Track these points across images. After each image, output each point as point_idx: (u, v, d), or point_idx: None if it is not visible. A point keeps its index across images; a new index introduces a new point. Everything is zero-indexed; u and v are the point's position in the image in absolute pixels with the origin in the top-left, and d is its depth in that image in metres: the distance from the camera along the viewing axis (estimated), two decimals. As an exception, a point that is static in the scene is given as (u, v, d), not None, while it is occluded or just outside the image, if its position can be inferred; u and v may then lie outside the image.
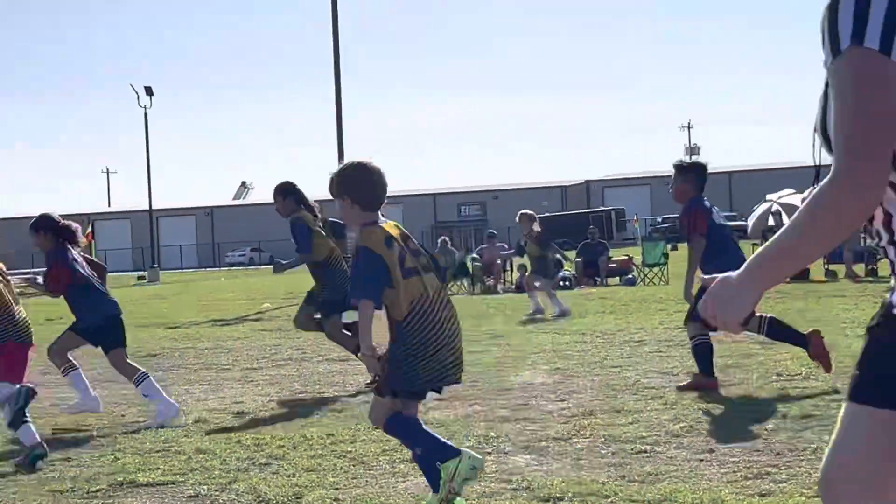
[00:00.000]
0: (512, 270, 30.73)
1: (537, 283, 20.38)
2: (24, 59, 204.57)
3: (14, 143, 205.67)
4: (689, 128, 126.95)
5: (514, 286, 29.12)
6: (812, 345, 9.80)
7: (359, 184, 6.19)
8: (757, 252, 2.72)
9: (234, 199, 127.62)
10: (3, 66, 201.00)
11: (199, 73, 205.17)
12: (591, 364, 12.14)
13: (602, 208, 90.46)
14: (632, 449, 7.48)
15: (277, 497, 6.50)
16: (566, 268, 29.43)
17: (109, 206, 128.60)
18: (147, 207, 74.47)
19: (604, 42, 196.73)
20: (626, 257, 31.50)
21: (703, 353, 9.94)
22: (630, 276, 29.83)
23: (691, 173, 10.40)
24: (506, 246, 32.36)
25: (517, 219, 21.19)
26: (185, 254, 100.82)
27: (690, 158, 12.42)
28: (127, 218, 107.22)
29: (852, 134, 2.52)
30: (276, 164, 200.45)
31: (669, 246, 33.17)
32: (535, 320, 18.55)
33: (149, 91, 73.05)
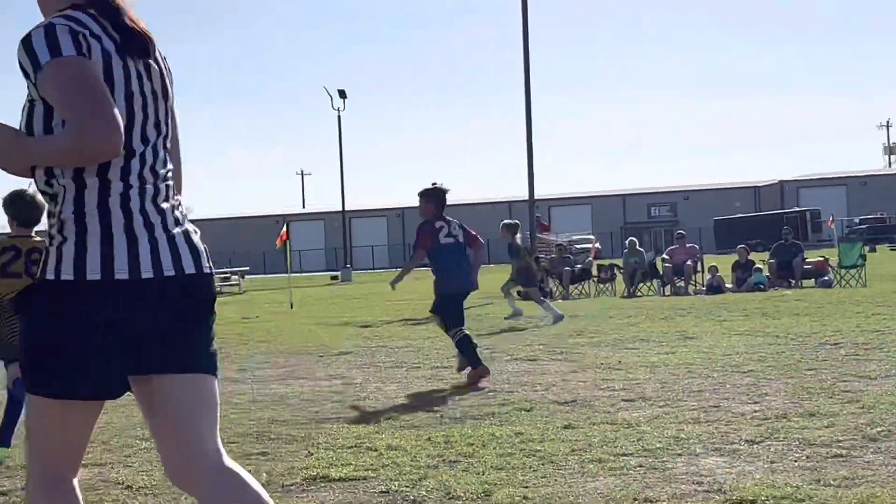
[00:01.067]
0: (703, 271, 30.31)
1: (519, 291, 21.60)
2: (220, 65, 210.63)
3: (221, 147, 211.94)
4: (887, 126, 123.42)
5: (704, 287, 28.71)
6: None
7: None
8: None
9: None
10: (204, 73, 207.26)
11: (390, 76, 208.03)
12: (785, 367, 11.90)
13: (796, 209, 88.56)
14: (827, 453, 7.31)
15: (467, 494, 6.55)
16: (760, 270, 28.93)
17: (304, 207, 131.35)
18: (340, 209, 75.78)
19: (797, 41, 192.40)
20: (821, 259, 30.73)
21: None
22: (826, 277, 29.10)
23: (432, 196, 12.56)
24: (696, 247, 31.89)
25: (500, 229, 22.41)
26: (377, 254, 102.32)
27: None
28: (321, 219, 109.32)
29: (83, 105, 3.32)
30: (465, 166, 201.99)
31: (867, 247, 32.26)
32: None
33: (342, 94, 74.32)
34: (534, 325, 19.64)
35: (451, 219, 12.79)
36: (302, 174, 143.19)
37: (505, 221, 22.63)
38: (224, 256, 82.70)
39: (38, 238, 7.88)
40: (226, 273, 52.63)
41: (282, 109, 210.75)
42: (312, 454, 8.07)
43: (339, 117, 74.10)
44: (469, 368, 12.07)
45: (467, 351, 12.25)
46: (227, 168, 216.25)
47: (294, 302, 30.26)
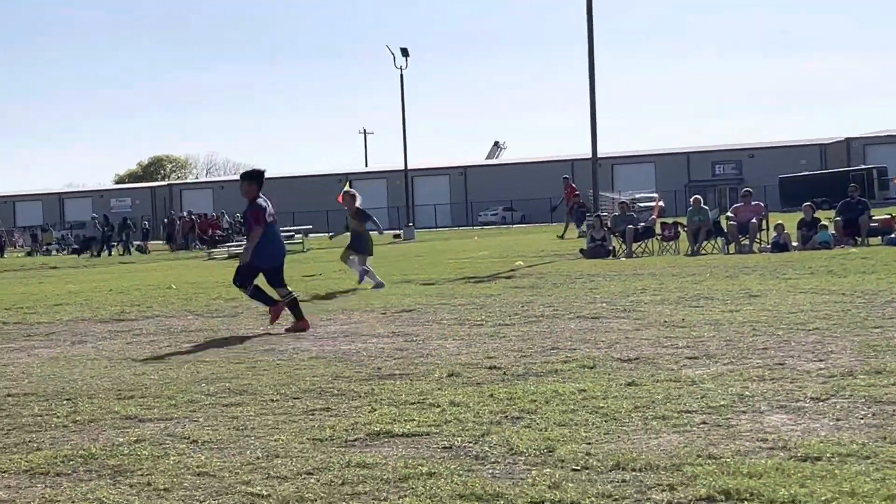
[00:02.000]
0: (768, 229, 30.03)
1: (353, 258, 21.54)
2: (285, 23, 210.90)
3: (285, 106, 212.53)
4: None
5: (769, 245, 28.45)
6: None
7: None
8: None
9: (486, 158, 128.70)
10: (269, 31, 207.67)
11: (453, 34, 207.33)
12: (851, 324, 11.78)
13: (863, 167, 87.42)
14: (893, 410, 7.23)
15: (530, 450, 6.55)
16: (826, 228, 28.62)
17: (366, 166, 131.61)
18: (403, 167, 75.79)
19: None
20: (888, 216, 30.32)
21: None
22: (893, 235, 28.71)
23: (255, 178, 14.35)
24: (762, 205, 31.56)
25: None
26: (440, 213, 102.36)
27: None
28: (383, 178, 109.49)
29: None
30: (528, 124, 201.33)
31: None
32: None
33: (404, 52, 74.11)
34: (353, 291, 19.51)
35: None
36: (364, 133, 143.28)
37: (346, 189, 22.92)
38: (287, 215, 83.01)
39: None
40: (289, 231, 52.90)
41: (345, 68, 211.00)
42: (375, 410, 8.11)
43: (401, 76, 73.97)
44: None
45: (263, 297, 14.70)
46: (290, 127, 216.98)
47: (357, 260, 30.32)
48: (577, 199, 45.45)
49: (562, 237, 43.47)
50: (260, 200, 14.38)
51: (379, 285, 20.45)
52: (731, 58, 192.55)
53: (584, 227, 44.33)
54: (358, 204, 22.04)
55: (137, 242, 63.88)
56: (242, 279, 14.59)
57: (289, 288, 14.60)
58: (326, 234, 30.42)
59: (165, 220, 73.05)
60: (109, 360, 11.81)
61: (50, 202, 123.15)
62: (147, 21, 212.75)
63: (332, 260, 34.93)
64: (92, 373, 10.86)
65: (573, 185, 46.24)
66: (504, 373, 9.65)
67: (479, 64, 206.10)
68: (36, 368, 11.41)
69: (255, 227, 14.34)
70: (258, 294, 14.66)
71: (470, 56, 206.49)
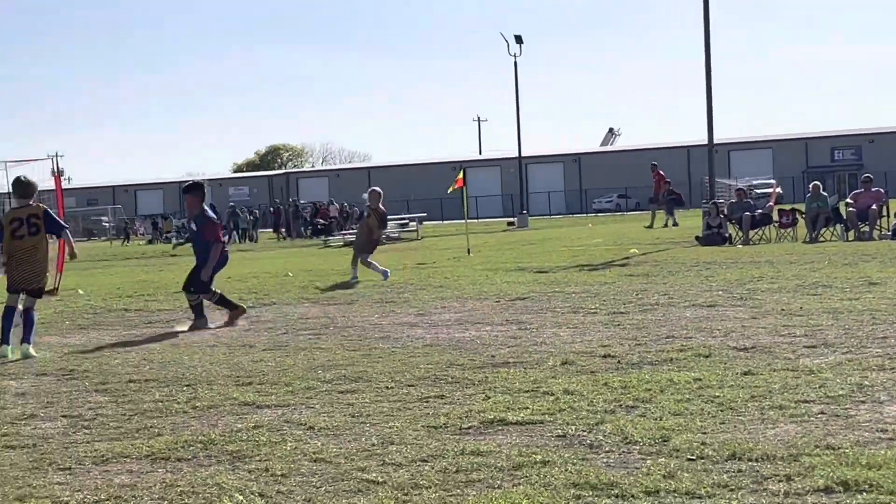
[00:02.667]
0: (888, 216, 29.43)
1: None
2: (398, 13, 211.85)
3: (398, 94, 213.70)
4: None
5: (890, 232, 27.89)
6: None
7: None
8: None
9: (601, 145, 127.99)
10: (384, 19, 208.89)
11: (567, 21, 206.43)
12: (976, 313, 11.52)
13: None
14: None
15: (644, 439, 6.53)
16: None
17: (480, 153, 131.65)
18: (516, 154, 75.65)
19: None
20: None
21: None
22: None
23: (198, 191, 15.11)
24: (882, 191, 30.91)
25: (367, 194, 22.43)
26: (553, 200, 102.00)
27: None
28: (497, 165, 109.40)
29: None
30: (643, 110, 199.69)
31: None
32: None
33: (518, 39, 73.89)
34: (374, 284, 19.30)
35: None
36: (478, 120, 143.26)
37: (373, 188, 22.78)
38: (401, 203, 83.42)
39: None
40: (403, 219, 53.19)
41: (459, 56, 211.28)
42: (489, 398, 8.14)
43: (515, 63, 73.77)
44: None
45: (226, 303, 15.06)
46: (404, 115, 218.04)
47: (471, 248, 30.41)
48: (668, 187, 44.63)
49: (650, 227, 42.44)
50: (210, 213, 15.25)
51: (355, 280, 20.81)
52: (855, 41, 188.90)
53: (675, 218, 43.63)
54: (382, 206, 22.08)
55: (242, 227, 64.42)
56: (203, 287, 14.98)
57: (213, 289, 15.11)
58: (440, 222, 30.45)
59: (271, 209, 73.88)
60: (228, 347, 12.00)
61: (170, 191, 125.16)
62: (263, 13, 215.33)
63: (447, 248, 35.08)
64: (211, 359, 11.05)
65: (661, 173, 45.33)
66: (618, 361, 9.62)
67: (593, 50, 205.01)
68: (157, 355, 11.64)
69: (216, 243, 15.05)
70: (223, 300, 15.07)
71: (584, 42, 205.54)
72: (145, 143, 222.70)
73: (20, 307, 12.47)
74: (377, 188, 22.53)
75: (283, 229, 64.00)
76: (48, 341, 13.47)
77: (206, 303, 14.98)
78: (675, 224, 42.39)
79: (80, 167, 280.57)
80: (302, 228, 62.66)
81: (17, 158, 27.86)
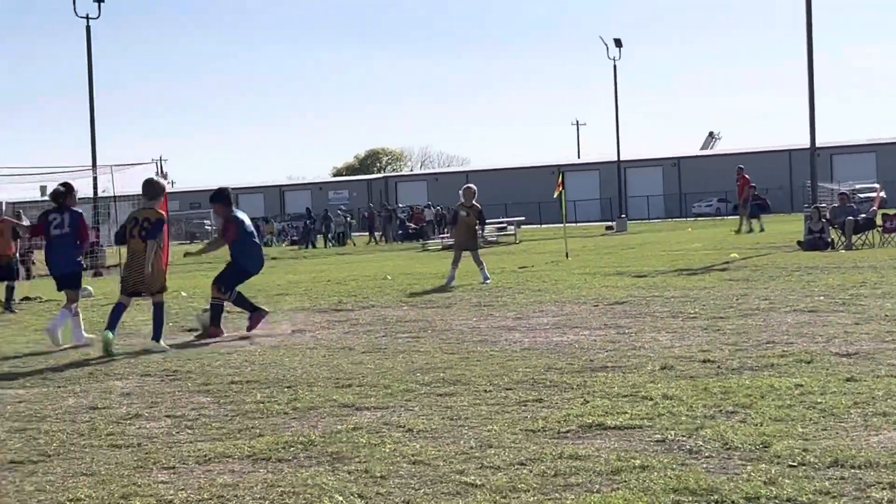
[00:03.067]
0: None
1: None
2: (498, 14, 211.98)
3: (496, 98, 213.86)
4: None
5: None
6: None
7: None
8: None
9: (701, 149, 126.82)
10: (479, 24, 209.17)
11: (667, 23, 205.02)
12: None
13: None
14: None
15: (745, 445, 6.47)
16: None
17: (579, 157, 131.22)
18: (615, 159, 75.31)
19: None
20: None
21: None
22: None
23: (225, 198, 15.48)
24: None
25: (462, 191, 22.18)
26: (652, 204, 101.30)
27: None
28: (596, 169, 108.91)
29: None
30: (744, 113, 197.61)
31: None
32: None
33: (618, 43, 73.65)
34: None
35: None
36: (577, 124, 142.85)
37: (469, 185, 22.55)
38: (499, 206, 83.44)
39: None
40: (501, 223, 53.21)
41: (558, 59, 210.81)
42: (588, 402, 8.12)
43: (614, 66, 73.50)
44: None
45: (245, 304, 15.06)
46: (502, 118, 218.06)
47: (569, 251, 30.34)
48: (752, 192, 43.93)
49: (738, 232, 41.80)
50: (238, 214, 15.32)
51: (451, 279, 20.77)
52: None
53: (761, 222, 42.88)
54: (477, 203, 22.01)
55: (338, 231, 64.80)
56: (228, 284, 14.98)
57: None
58: (538, 226, 30.32)
59: (365, 214, 74.54)
60: (328, 350, 12.11)
61: (271, 194, 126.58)
62: (367, 17, 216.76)
63: (545, 251, 35.04)
64: (311, 361, 11.16)
65: (747, 176, 44.58)
66: (718, 366, 9.54)
67: (693, 52, 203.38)
68: (258, 356, 11.79)
69: (222, 238, 15.46)
70: (241, 301, 15.06)
71: (684, 44, 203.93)
72: (247, 146, 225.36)
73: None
74: (471, 185, 22.52)
75: (378, 233, 64.37)
76: (154, 343, 13.69)
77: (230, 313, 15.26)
78: (762, 230, 41.81)
79: (184, 171, 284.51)
80: (397, 232, 63.01)
81: (122, 162, 28.30)
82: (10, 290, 21.54)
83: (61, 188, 14.75)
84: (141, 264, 13.41)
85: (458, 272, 21.13)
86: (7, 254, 22.20)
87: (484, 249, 28.98)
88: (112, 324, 13.14)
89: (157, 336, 13.16)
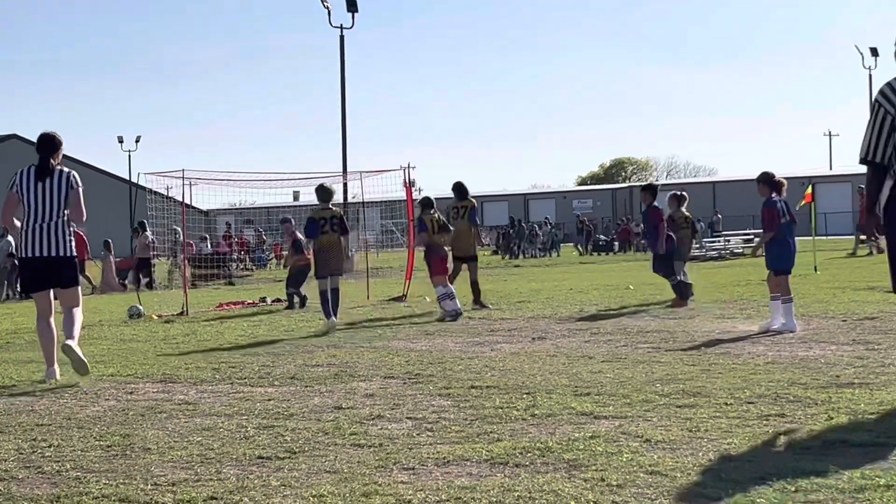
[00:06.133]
0: None
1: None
2: (747, 24, 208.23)
3: (735, 108, 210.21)
4: None
5: None
6: None
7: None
8: None
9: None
10: (725, 33, 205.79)
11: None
12: None
13: None
14: None
15: None
16: None
17: (831, 168, 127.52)
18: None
19: None
20: None
21: None
22: None
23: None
24: None
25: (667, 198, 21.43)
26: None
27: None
28: (848, 181, 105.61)
29: None
30: None
31: None
32: None
33: (874, 52, 71.56)
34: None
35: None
36: (829, 135, 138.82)
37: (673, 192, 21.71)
38: (747, 218, 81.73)
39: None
40: (748, 234, 52.28)
41: (810, 69, 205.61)
42: (832, 418, 7.92)
43: (869, 76, 71.48)
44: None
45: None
46: (750, 128, 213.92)
47: (818, 265, 29.55)
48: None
49: (853, 254, 39.15)
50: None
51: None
52: None
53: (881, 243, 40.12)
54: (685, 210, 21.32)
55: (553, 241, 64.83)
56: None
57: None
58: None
59: (578, 224, 74.67)
60: (567, 357, 12.14)
61: (515, 202, 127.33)
62: (608, 25, 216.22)
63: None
64: (550, 369, 11.21)
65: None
66: (973, 386, 9.15)
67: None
68: (498, 362, 11.91)
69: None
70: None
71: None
72: (493, 155, 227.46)
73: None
74: (678, 192, 22.04)
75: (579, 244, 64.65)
76: (395, 346, 14.02)
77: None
78: (881, 251, 39.49)
79: (430, 178, 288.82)
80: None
81: (371, 169, 28.99)
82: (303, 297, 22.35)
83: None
84: (340, 252, 17.44)
85: (692, 281, 20.84)
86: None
87: (730, 261, 28.43)
88: (327, 311, 16.85)
89: (334, 313, 16.86)
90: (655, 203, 19.81)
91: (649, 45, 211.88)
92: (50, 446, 7.77)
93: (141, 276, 35.81)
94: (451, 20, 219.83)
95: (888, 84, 8.52)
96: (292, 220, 24.16)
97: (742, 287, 22.35)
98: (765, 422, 7.92)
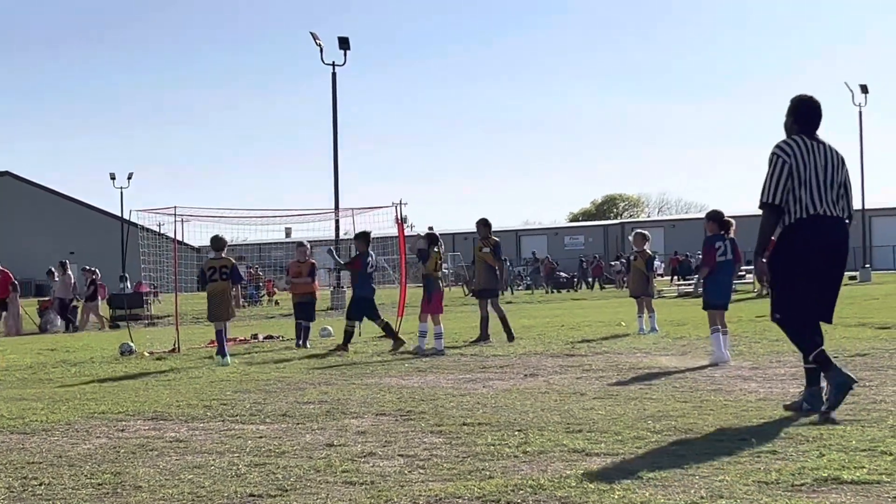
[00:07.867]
0: None
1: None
2: (733, 62, 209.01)
3: (729, 143, 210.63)
4: None
5: None
6: None
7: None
8: None
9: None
10: (715, 70, 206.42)
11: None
12: None
13: None
14: None
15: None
16: None
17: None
18: (860, 207, 73.24)
19: None
20: None
21: None
22: None
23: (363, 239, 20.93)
24: None
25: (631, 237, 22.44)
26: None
27: None
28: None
29: None
30: None
31: None
32: None
33: (864, 89, 71.76)
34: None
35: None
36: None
37: (638, 230, 22.64)
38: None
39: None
40: (741, 272, 52.30)
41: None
42: (824, 455, 7.92)
43: (860, 112, 71.64)
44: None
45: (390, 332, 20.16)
46: (743, 165, 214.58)
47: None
48: None
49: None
50: (367, 257, 20.65)
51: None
52: None
53: None
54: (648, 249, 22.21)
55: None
56: (350, 314, 20.80)
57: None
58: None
59: (582, 260, 75.25)
60: (559, 394, 12.14)
61: (507, 238, 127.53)
62: (596, 61, 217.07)
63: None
64: (542, 405, 11.21)
65: None
66: (963, 423, 9.16)
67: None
68: (490, 399, 11.91)
69: (351, 266, 21.07)
70: (388, 329, 19.76)
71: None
72: (483, 191, 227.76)
73: None
74: (641, 231, 22.56)
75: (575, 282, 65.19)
76: (387, 382, 14.02)
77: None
78: None
79: (421, 215, 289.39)
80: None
81: (362, 206, 29.06)
82: (305, 329, 22.27)
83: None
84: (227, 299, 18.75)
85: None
86: (310, 291, 22.94)
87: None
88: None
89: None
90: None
91: (642, 81, 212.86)
92: (41, 484, 7.76)
93: (69, 317, 35.93)
94: (442, 58, 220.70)
95: (778, 144, 10.07)
96: (308, 245, 24.06)
97: (734, 324, 22.35)
98: (756, 459, 7.92)
